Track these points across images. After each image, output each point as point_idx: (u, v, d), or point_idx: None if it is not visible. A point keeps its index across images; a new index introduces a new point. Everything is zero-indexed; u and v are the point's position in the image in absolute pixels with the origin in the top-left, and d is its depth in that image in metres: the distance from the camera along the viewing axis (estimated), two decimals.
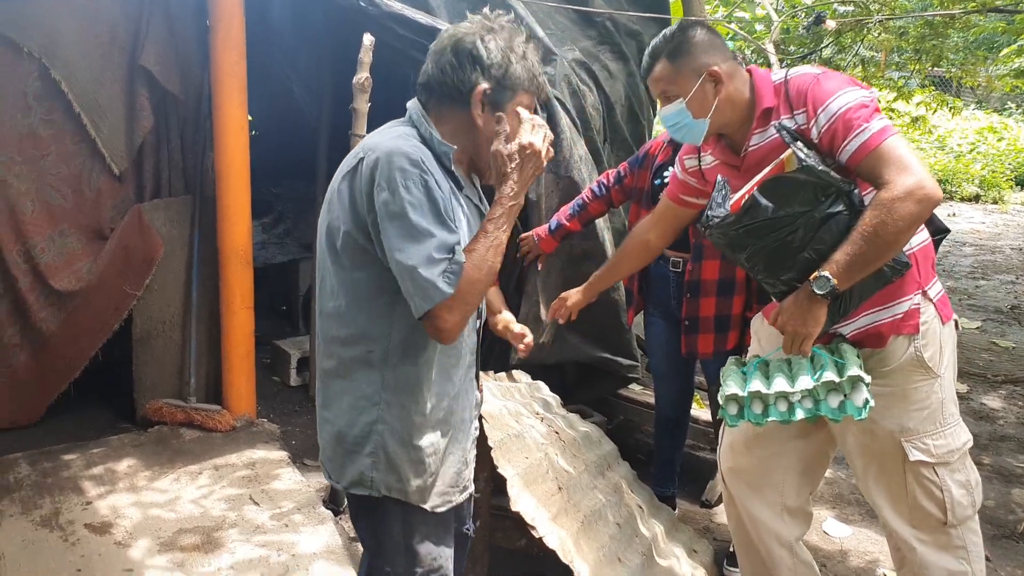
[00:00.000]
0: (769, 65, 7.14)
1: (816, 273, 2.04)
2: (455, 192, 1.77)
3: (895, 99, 9.08)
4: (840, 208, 2.05)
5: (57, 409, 3.92)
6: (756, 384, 2.20)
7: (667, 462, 3.44)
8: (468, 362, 1.89)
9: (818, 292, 2.04)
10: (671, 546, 2.90)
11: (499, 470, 2.39)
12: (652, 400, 3.64)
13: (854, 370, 2.10)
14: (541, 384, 3.25)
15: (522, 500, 2.32)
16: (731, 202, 2.14)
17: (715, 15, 6.47)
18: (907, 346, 2.21)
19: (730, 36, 7.39)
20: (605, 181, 3.27)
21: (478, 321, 1.93)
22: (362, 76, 3.09)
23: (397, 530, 1.87)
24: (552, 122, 3.47)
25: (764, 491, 2.53)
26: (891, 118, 9.10)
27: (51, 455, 3.55)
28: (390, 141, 1.69)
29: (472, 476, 1.98)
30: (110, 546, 2.91)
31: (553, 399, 3.21)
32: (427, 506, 1.85)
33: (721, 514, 3.58)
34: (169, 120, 3.85)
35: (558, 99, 3.56)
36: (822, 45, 7.62)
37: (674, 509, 3.42)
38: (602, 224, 3.55)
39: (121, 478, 3.39)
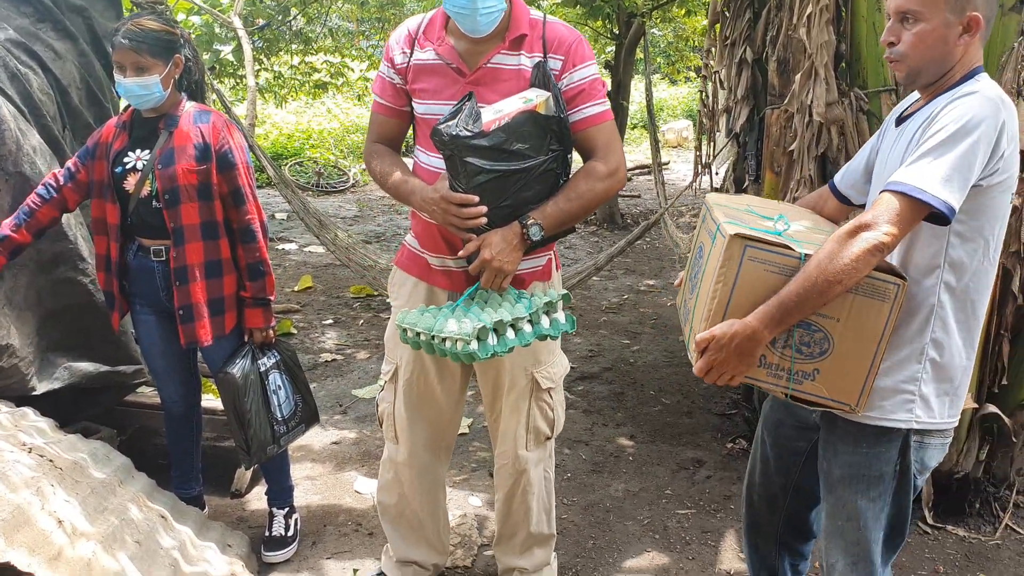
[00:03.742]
0: (239, 40, 7.03)
1: (530, 219, 2.19)
2: None
3: (368, 68, 9.54)
4: (555, 165, 2.23)
5: None
6: (492, 315, 2.17)
7: (185, 461, 3.27)
8: None
9: (533, 237, 2.19)
10: (202, 549, 2.77)
11: None
12: None
13: (547, 297, 2.27)
14: (27, 410, 2.86)
15: (9, 551, 2.02)
16: (485, 121, 2.13)
17: None
18: (543, 289, 2.47)
19: (195, 11, 7.12)
20: (53, 182, 2.90)
21: None
22: None
23: None
24: None
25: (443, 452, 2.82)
26: (366, 87, 9.54)
27: None
28: None
29: None
30: None
31: (47, 424, 2.85)
32: None
33: (253, 501, 3.53)
34: None
35: None
36: (290, 17, 7.70)
37: (203, 508, 3.27)
38: (73, 221, 3.20)
39: None
